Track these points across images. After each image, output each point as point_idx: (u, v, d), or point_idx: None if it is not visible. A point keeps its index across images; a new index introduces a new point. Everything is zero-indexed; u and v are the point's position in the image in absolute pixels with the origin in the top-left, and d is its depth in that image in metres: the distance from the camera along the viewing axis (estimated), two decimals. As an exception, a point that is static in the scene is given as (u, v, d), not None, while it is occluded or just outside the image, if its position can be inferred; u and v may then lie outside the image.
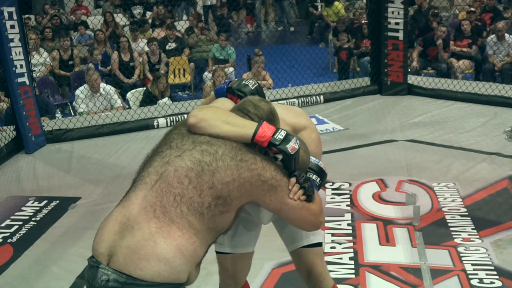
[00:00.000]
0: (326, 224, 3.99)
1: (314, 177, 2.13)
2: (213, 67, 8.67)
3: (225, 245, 2.51)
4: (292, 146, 1.94)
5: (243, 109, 2.07)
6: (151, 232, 1.76)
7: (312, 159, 2.15)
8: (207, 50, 9.70)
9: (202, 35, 10.13)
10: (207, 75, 8.94)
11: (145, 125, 6.70)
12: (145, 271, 1.73)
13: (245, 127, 1.94)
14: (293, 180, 1.94)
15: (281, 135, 1.94)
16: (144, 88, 7.86)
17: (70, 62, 8.83)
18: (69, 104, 8.31)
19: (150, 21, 11.69)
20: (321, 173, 2.15)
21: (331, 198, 4.42)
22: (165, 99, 7.48)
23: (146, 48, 9.37)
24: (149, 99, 7.48)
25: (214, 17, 13.59)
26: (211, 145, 1.89)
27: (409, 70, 8.61)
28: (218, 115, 1.98)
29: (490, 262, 3.38)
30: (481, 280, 3.21)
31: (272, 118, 2.07)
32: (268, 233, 3.88)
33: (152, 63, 9.05)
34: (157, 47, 9.13)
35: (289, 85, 7.89)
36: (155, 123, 6.72)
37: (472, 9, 10.55)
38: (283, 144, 1.92)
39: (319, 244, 2.47)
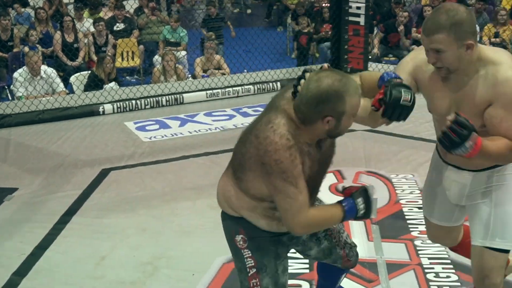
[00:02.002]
0: (280, 217, 4.03)
1: (361, 206, 2.21)
2: (164, 51, 8.60)
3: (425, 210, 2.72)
4: None
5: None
6: (227, 175, 2.31)
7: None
8: (157, 32, 9.61)
9: (153, 15, 10.02)
10: (157, 58, 8.86)
11: (90, 111, 6.63)
12: (218, 199, 2.37)
13: None
14: None
15: None
16: (89, 72, 7.75)
17: (10, 43, 8.62)
18: (6, 87, 8.12)
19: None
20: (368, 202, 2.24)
21: (286, 190, 4.46)
22: (112, 84, 7.40)
23: (92, 29, 9.22)
24: (94, 83, 7.38)
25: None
26: (264, 115, 2.18)
27: (370, 57, 8.73)
28: None
29: (446, 256, 3.47)
30: (437, 274, 3.30)
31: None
32: (218, 227, 3.91)
33: (98, 45, 8.92)
34: (104, 27, 9.00)
35: (245, 70, 7.90)
36: (101, 109, 6.65)
37: (436, -6, 10.73)
38: None
39: (506, 251, 2.38)
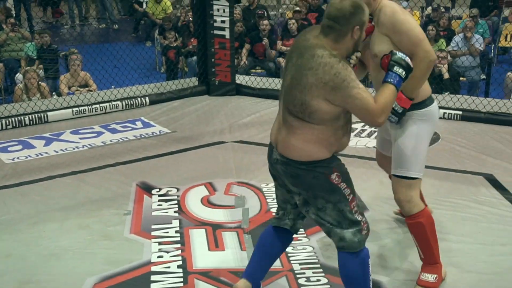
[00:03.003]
0: (153, 233, 3.98)
1: (399, 70, 2.71)
2: (25, 68, 8.25)
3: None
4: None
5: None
6: (286, 133, 2.73)
7: (400, 54, 2.75)
8: (16, 49, 9.22)
9: (12, 32, 9.60)
10: (18, 76, 8.50)
11: None
12: (291, 155, 2.73)
13: None
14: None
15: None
16: None
17: None
18: None
19: None
20: (408, 68, 2.74)
21: (158, 205, 4.42)
22: (-31, 104, 7.00)
23: None
24: (-51, 104, 6.95)
25: (27, 13, 13.00)
26: (303, 57, 2.64)
27: (238, 69, 8.88)
28: None
29: (316, 260, 3.58)
30: (308, 279, 3.39)
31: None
32: (91, 247, 3.81)
33: (-49, 63, 8.43)
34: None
35: (112, 86, 7.76)
36: (-45, 132, 6.26)
37: (298, 8, 11.11)
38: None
39: (409, 178, 3.15)
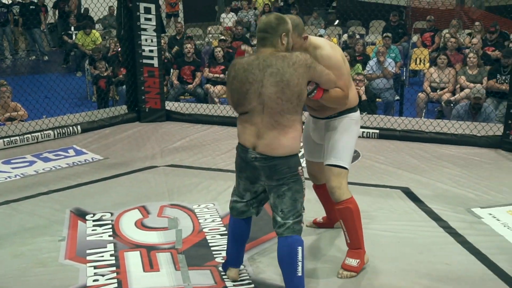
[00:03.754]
0: (88, 257, 3.91)
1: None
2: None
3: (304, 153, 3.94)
4: None
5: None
6: (275, 135, 3.06)
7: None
8: None
9: None
10: None
11: None
12: (276, 153, 3.07)
13: None
14: None
15: None
16: None
17: None
18: None
19: None
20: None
21: (93, 230, 4.33)
22: None
23: None
24: None
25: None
26: (272, 66, 3.01)
27: (168, 96, 8.87)
28: None
29: (247, 277, 3.58)
30: (241, 294, 3.40)
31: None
32: (25, 275, 3.70)
33: None
34: None
35: (44, 116, 7.59)
36: None
37: (223, 37, 11.24)
38: None
39: (340, 167, 3.49)
